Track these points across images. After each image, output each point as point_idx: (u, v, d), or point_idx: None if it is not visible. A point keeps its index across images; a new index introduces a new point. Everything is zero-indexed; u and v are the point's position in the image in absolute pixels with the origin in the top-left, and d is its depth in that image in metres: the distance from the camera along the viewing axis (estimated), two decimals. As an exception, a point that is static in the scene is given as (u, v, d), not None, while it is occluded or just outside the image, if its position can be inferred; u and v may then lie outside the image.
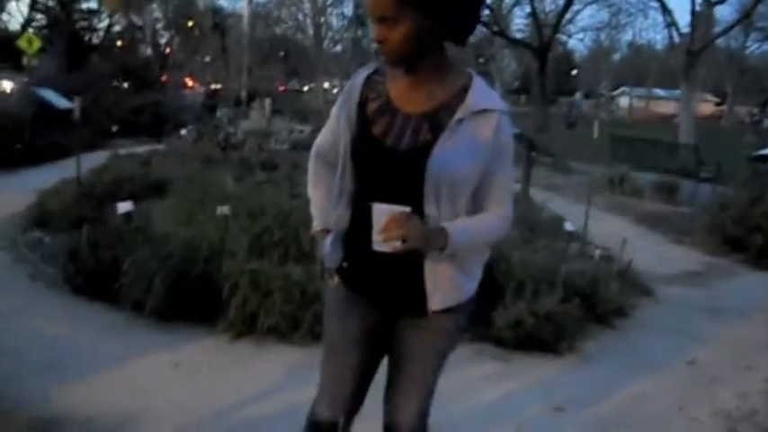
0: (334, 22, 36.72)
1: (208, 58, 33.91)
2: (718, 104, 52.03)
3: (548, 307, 3.67)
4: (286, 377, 3.28)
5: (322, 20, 34.99)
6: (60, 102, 11.70)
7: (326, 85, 38.00)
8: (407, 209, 1.57)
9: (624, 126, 29.00)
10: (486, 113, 1.62)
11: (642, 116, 46.19)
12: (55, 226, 5.61)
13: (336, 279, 1.84)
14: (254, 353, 3.51)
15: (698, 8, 16.52)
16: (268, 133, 11.51)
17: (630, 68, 49.09)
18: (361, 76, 1.75)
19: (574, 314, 3.80)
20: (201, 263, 3.79)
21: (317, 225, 1.92)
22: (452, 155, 1.59)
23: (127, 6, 25.74)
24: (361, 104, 1.71)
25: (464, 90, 1.64)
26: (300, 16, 35.86)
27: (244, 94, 23.93)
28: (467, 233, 1.64)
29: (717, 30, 18.82)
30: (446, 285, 1.70)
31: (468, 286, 1.76)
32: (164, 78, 22.00)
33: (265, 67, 32.93)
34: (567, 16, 22.29)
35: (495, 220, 1.72)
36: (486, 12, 21.33)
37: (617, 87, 54.46)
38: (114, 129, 13.11)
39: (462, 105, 1.62)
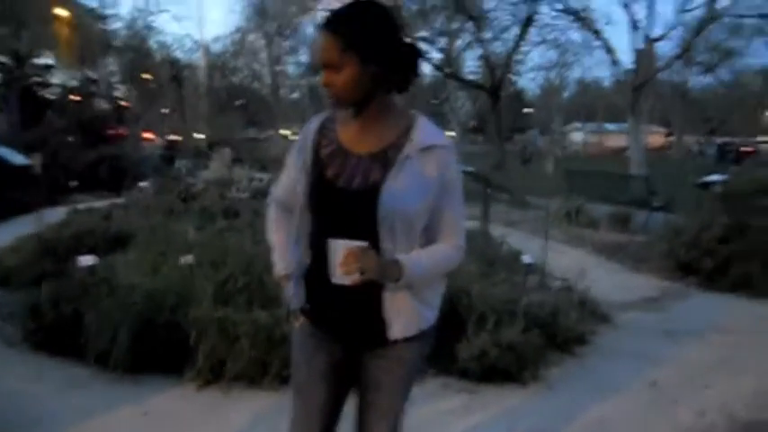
0: (291, 69, 37.18)
1: (165, 110, 33.86)
2: (667, 135, 53.87)
3: (510, 337, 3.77)
4: (255, 423, 3.29)
5: (278, 68, 35.39)
6: (16, 158, 11.55)
7: (286, 132, 38.23)
8: (364, 243, 1.66)
9: (578, 160, 29.82)
10: (431, 150, 1.74)
11: (595, 150, 47.61)
12: (15, 283, 5.53)
13: (301, 319, 1.91)
14: (223, 401, 3.50)
15: (640, 45, 17.29)
16: (229, 182, 11.52)
17: (581, 105, 50.75)
18: (313, 123, 1.87)
19: (535, 343, 3.91)
20: (167, 312, 3.79)
21: (279, 270, 2.00)
22: (402, 191, 1.69)
23: (81, 61, 25.69)
24: (316, 150, 1.81)
25: (409, 129, 1.76)
26: (257, 65, 36.20)
27: (203, 144, 23.95)
28: (421, 264, 1.74)
29: (659, 64, 19.66)
30: (405, 315, 1.79)
31: (427, 315, 1.85)
32: (121, 131, 21.87)
33: (224, 116, 33.05)
34: (517, 57, 23.09)
35: (448, 250, 1.82)
36: (439, 54, 21.92)
37: (569, 123, 56.10)
38: (73, 184, 12.96)
39: (408, 143, 1.74)
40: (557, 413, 3.47)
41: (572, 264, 6.72)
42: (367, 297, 1.75)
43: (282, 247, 1.99)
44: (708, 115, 41.75)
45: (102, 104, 26.89)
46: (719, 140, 42.36)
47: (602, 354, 4.43)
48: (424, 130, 1.77)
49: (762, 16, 17.75)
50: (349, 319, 1.82)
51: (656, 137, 51.21)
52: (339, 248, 1.66)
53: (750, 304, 5.93)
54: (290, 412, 1.96)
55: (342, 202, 1.75)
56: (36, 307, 4.28)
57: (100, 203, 10.42)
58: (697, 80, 38.57)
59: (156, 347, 3.74)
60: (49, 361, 4.01)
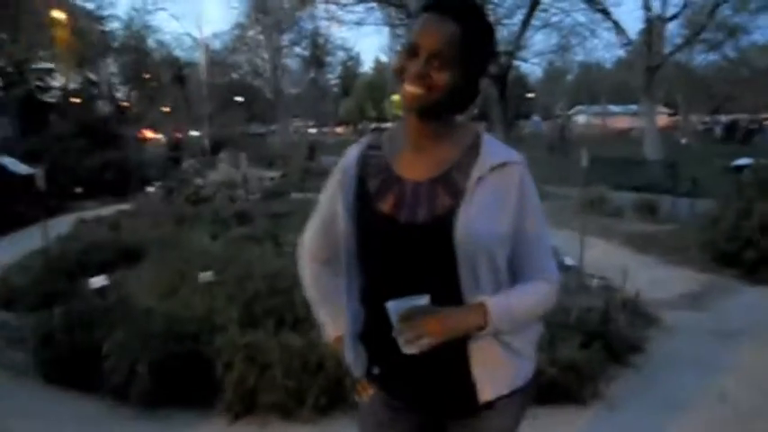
0: (291, 63, 36.70)
1: (167, 109, 33.50)
2: (671, 115, 53.31)
3: (568, 354, 3.43)
4: (295, 460, 2.99)
5: (279, 62, 34.89)
6: (19, 168, 11.20)
7: (292, 125, 37.91)
8: (421, 300, 1.33)
9: (590, 144, 29.34)
10: (504, 168, 1.42)
11: (600, 133, 47.12)
12: (22, 305, 5.23)
13: (369, 390, 1.58)
14: (258, 435, 3.20)
15: (651, 25, 16.85)
16: (238, 184, 11.19)
17: (584, 88, 50.22)
18: (351, 155, 1.54)
19: (595, 359, 3.57)
20: (190, 340, 3.47)
21: (329, 333, 1.66)
22: (480, 217, 1.37)
23: (81, 63, 25.37)
24: (361, 182, 1.49)
25: (474, 147, 1.45)
26: (257, 61, 35.73)
27: (207, 142, 23.62)
28: (509, 305, 1.41)
29: (664, 44, 19.17)
30: (496, 369, 1.45)
31: (521, 368, 1.52)
32: (124, 133, 21.54)
33: (226, 113, 32.67)
34: (521, 42, 22.59)
35: (539, 286, 1.48)
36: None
37: (573, 106, 55.60)
38: (78, 190, 12.61)
39: (477, 162, 1.42)
40: (626, 437, 3.15)
41: (603, 258, 6.40)
42: (448, 352, 1.41)
43: (328, 306, 1.66)
44: (711, 93, 40.92)
45: (104, 106, 26.57)
46: (726, 118, 41.79)
47: (660, 363, 4.09)
48: (491, 146, 1.45)
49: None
50: (429, 383, 1.48)
51: (661, 117, 50.77)
52: (393, 314, 1.33)
53: (801, 298, 5.59)
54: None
55: (406, 241, 1.41)
56: (49, 335, 3.98)
57: (106, 211, 10.13)
58: (701, 58, 38.01)
59: (179, 379, 3.41)
60: (62, 395, 3.71)
